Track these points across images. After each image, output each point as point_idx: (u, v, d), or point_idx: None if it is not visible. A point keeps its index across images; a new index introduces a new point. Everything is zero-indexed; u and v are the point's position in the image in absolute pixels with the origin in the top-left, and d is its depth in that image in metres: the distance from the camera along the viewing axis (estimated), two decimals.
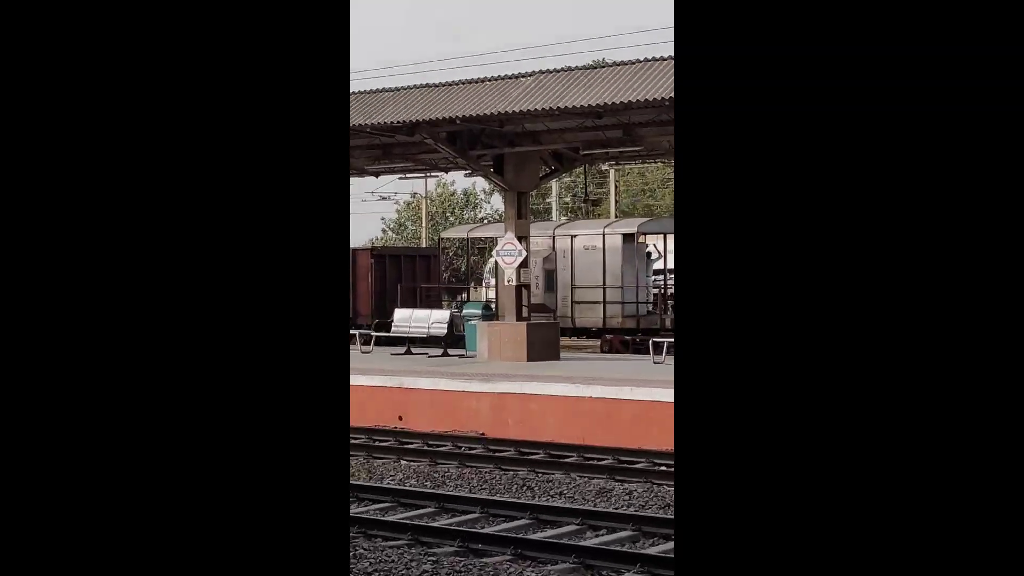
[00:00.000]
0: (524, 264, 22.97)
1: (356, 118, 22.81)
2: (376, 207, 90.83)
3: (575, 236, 28.68)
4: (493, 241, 30.82)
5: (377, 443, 17.35)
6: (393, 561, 10.46)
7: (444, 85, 23.14)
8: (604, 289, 27.65)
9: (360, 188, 64.88)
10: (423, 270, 32.60)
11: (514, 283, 22.90)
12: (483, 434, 17.81)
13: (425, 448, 16.82)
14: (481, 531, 11.14)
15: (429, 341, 25.03)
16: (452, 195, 58.91)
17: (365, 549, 10.88)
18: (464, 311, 25.79)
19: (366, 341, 25.81)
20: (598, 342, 26.97)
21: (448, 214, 57.99)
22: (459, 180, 55.38)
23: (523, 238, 22.97)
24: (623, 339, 26.69)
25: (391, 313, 27.22)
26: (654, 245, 30.77)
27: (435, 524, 11.58)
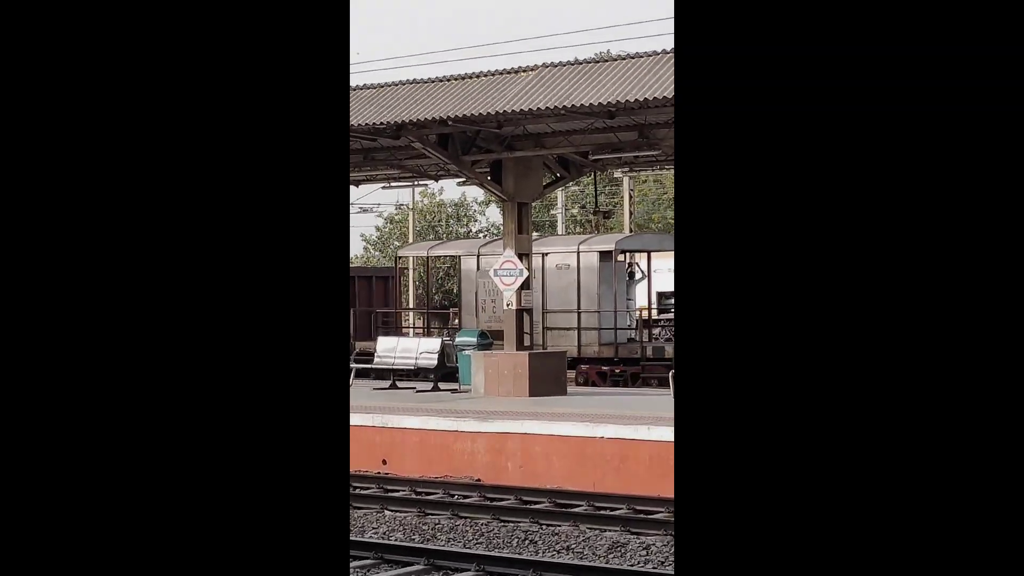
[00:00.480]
0: (526, 285, 22.98)
1: None
2: (356, 220, 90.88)
3: (547, 254, 28.96)
4: (458, 260, 31.12)
5: (358, 490, 17.33)
6: None
7: (434, 81, 23.20)
8: (579, 314, 28.11)
9: None
10: (380, 293, 32.88)
11: (514, 307, 22.89)
12: (479, 480, 17.82)
13: (413, 496, 16.83)
14: None
15: (417, 374, 25.05)
16: (440, 206, 58.95)
17: None
18: (457, 339, 25.75)
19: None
20: (573, 373, 26.64)
21: (437, 228, 58.04)
22: (449, 189, 55.33)
23: (524, 255, 23.00)
24: (600, 370, 26.85)
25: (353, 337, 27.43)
26: (637, 264, 31.15)
27: None
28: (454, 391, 23.52)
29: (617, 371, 26.36)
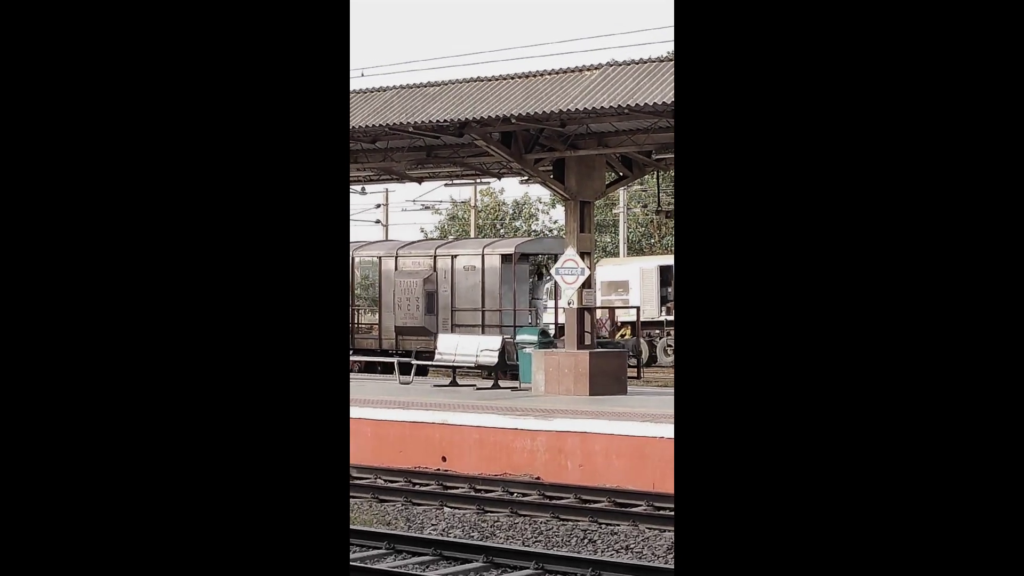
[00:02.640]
0: (587, 284, 22.95)
1: (397, 116, 22.95)
2: (418, 217, 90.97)
3: (456, 256, 31.07)
4: (379, 260, 32.55)
5: (417, 487, 17.40)
6: None
7: (498, 79, 23.18)
8: (483, 312, 29.87)
9: (401, 195, 65.19)
10: None
11: (575, 305, 22.86)
12: (538, 478, 17.84)
13: (472, 494, 16.90)
14: None
15: (477, 371, 25.11)
16: (501, 205, 58.98)
17: None
18: (518, 337, 25.86)
19: (405, 371, 25.95)
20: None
21: (498, 225, 58.07)
22: (511, 188, 55.40)
23: (586, 254, 22.98)
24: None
25: None
26: (545, 267, 32.79)
27: None
28: (514, 389, 23.54)
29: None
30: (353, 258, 33.81)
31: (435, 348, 26.65)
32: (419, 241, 33.74)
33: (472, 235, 51.73)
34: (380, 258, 32.40)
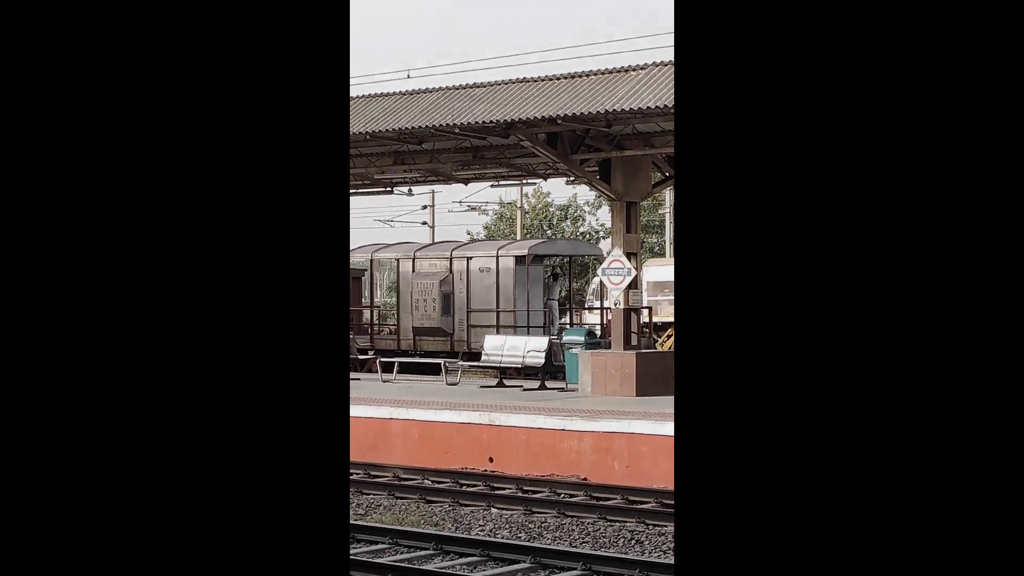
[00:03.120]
0: (634, 284, 22.89)
1: (443, 117, 22.98)
2: (465, 218, 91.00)
3: (471, 258, 31.51)
4: (396, 262, 33.25)
5: (465, 488, 17.42)
6: None
7: (543, 80, 23.18)
8: (497, 313, 30.26)
9: (448, 197, 65.18)
10: (354, 292, 33.96)
11: (622, 306, 22.80)
12: (585, 479, 17.81)
13: (519, 494, 16.89)
14: None
15: (524, 372, 25.11)
16: (548, 206, 58.88)
17: None
18: (564, 338, 25.83)
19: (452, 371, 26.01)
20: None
21: (546, 227, 58.01)
22: (557, 189, 55.37)
23: (632, 255, 22.92)
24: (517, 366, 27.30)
25: None
26: (560, 268, 33.63)
27: None
28: (561, 390, 23.51)
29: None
30: (372, 260, 34.49)
31: (453, 348, 27.06)
32: (435, 243, 34.29)
33: (519, 236, 51.76)
34: (398, 260, 32.90)
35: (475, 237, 55.44)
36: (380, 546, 13.48)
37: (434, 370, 26.44)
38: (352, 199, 35.11)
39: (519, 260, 30.72)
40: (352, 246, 34.66)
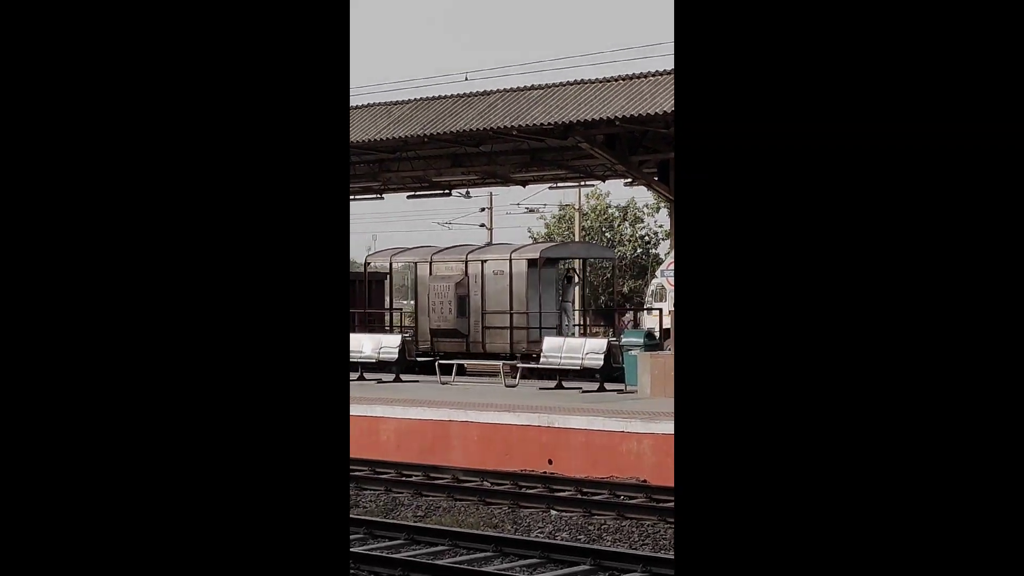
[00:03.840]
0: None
1: (501, 120, 22.99)
2: (523, 220, 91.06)
3: (486, 261, 31.95)
4: (414, 265, 33.99)
5: (524, 490, 17.41)
6: None
7: (601, 81, 23.12)
8: (511, 315, 30.78)
9: (505, 199, 65.17)
10: (375, 295, 35.44)
11: None
12: (645, 481, 17.70)
13: (578, 496, 16.85)
14: None
15: (583, 374, 25.08)
16: (607, 208, 58.68)
17: None
18: (623, 340, 25.78)
19: (512, 373, 26.02)
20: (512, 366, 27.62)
21: (605, 230, 57.82)
22: (616, 190, 55.19)
23: None
24: (530, 367, 27.37)
25: None
26: (574, 269, 34.00)
27: None
28: (620, 392, 23.44)
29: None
30: (390, 263, 35.14)
31: (468, 350, 28.14)
32: (452, 247, 34.36)
33: (576, 238, 51.73)
34: (415, 263, 33.55)
35: (536, 239, 55.48)
36: (440, 548, 13.51)
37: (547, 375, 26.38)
38: (411, 201, 35.59)
39: (531, 263, 31.23)
40: (400, 248, 35.44)
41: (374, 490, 17.92)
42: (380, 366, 27.91)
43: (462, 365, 28.55)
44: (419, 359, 29.44)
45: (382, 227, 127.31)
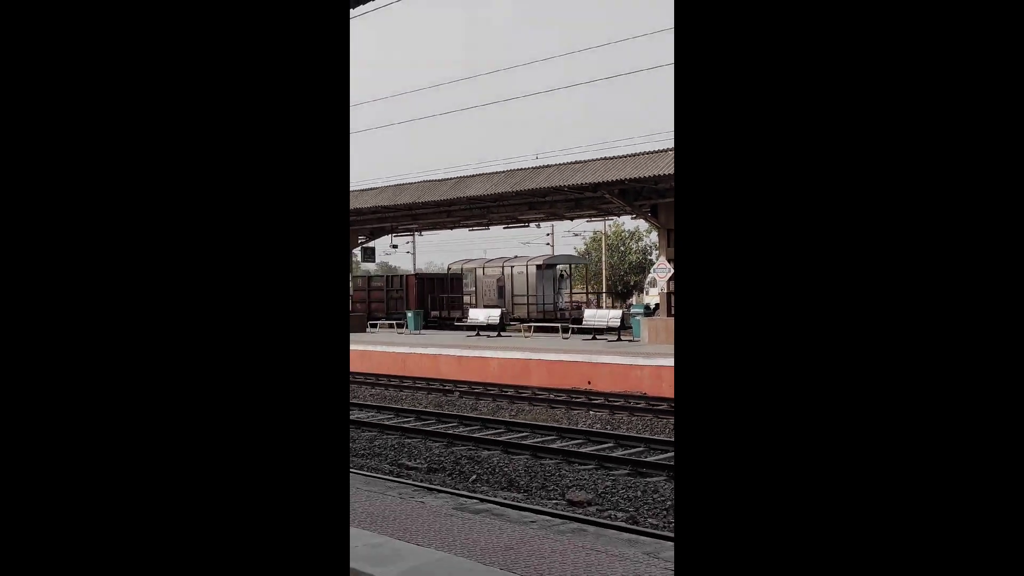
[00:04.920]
0: (673, 278, 22.48)
1: (556, 181, 22.86)
2: (571, 241, 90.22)
3: (514, 267, 33.36)
4: (474, 270, 35.09)
5: (573, 399, 17.29)
6: (585, 479, 10.42)
7: (615, 159, 22.93)
8: (527, 296, 32.72)
9: (560, 228, 64.22)
10: (454, 286, 35.99)
11: (665, 291, 22.47)
12: (645, 393, 17.47)
13: (605, 403, 16.64)
14: (645, 459, 10.92)
15: (607, 331, 24.86)
16: (621, 233, 58.07)
17: (567, 470, 10.85)
18: (632, 310, 25.58)
19: (565, 330, 25.87)
20: (529, 325, 28.90)
21: (620, 246, 57.20)
22: (628, 223, 54.74)
23: (671, 260, 22.55)
24: (540, 325, 28.81)
25: (429, 310, 33.76)
26: (564, 271, 34.62)
27: (614, 455, 11.43)
28: (630, 341, 23.20)
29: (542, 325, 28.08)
30: (462, 268, 36.20)
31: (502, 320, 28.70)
32: (495, 259, 35.98)
33: (603, 254, 51.52)
34: (475, 268, 35.01)
35: (577, 250, 55.10)
36: (524, 433, 13.44)
37: (564, 329, 26.51)
38: (505, 231, 36.46)
39: (538, 267, 32.54)
40: (467, 259, 36.90)
41: (486, 401, 17.82)
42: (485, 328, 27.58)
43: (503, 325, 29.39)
44: (536, 324, 29.92)
45: (489, 245, 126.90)
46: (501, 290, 33.35)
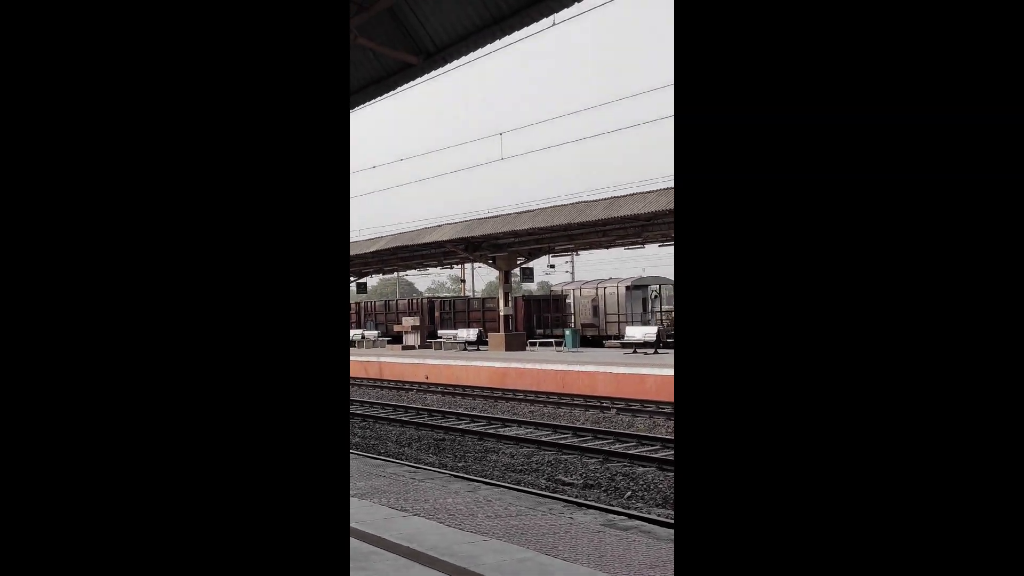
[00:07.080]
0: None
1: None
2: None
3: (606, 288, 34.31)
4: (570, 292, 35.81)
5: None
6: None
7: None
8: (618, 315, 33.48)
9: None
10: (557, 306, 36.96)
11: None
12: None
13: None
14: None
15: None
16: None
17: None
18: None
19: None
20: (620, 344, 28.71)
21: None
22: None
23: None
24: (621, 342, 28.21)
25: (535, 329, 34.03)
26: (654, 291, 35.46)
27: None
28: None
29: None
30: (562, 289, 37.91)
31: (599, 335, 31.61)
32: (590, 281, 37.90)
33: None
34: (572, 290, 36.67)
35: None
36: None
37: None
38: (660, 249, 36.62)
39: (628, 288, 33.85)
40: (568, 281, 38.76)
41: (642, 418, 17.07)
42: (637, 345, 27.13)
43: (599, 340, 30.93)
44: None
45: (647, 263, 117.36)
46: (596, 309, 34.22)
